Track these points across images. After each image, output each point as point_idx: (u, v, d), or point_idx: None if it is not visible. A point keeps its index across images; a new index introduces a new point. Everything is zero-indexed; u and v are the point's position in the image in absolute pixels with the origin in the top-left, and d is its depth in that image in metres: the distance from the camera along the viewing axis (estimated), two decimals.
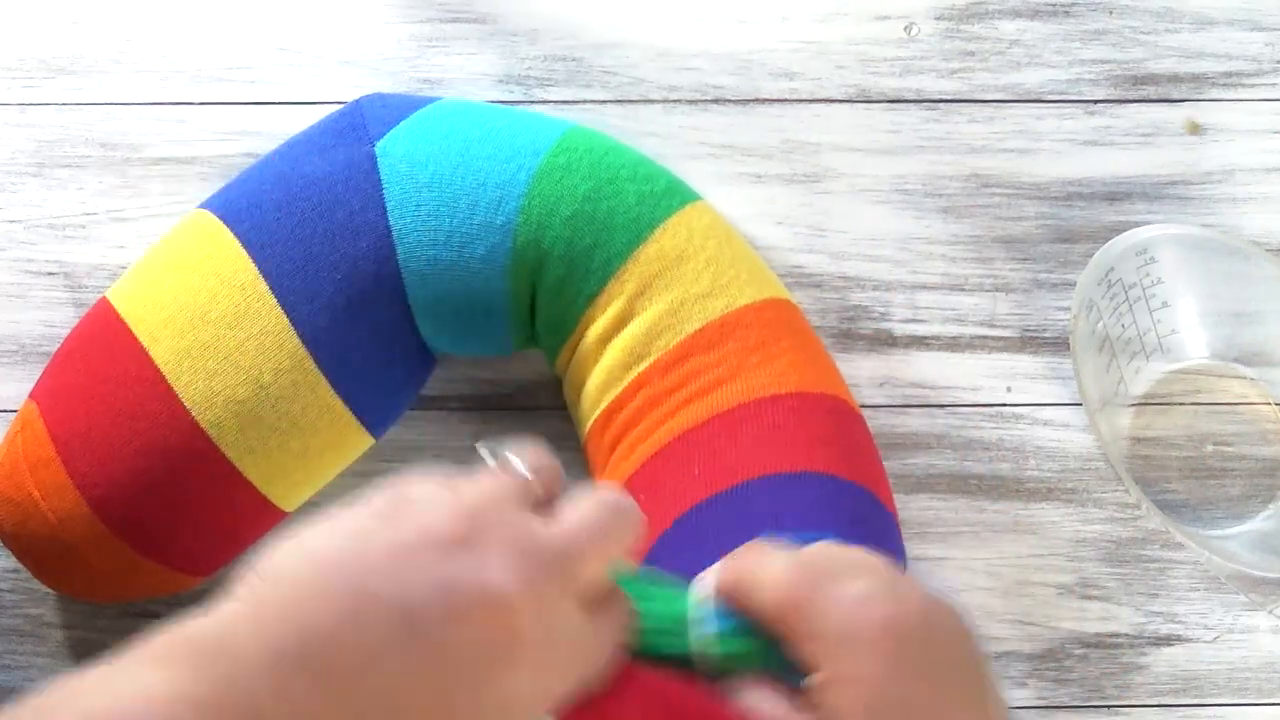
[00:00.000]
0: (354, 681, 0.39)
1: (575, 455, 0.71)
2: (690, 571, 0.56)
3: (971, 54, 0.75)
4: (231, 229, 0.64)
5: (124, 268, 0.71)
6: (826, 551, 0.48)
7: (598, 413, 0.66)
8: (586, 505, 0.44)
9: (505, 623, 0.40)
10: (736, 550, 0.47)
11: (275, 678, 0.38)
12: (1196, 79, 0.75)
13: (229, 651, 0.39)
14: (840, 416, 0.65)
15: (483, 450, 0.46)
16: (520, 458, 0.45)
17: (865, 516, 0.62)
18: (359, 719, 0.38)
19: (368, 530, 0.42)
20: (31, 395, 0.65)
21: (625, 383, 0.65)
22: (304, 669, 0.38)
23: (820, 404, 0.64)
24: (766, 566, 0.46)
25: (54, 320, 0.72)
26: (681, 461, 0.62)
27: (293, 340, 0.63)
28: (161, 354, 0.62)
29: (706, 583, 0.47)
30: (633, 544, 0.45)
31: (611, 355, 0.65)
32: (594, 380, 0.66)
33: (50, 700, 0.37)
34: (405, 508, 0.43)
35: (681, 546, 0.60)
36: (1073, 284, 0.72)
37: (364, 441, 0.67)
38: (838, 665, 0.44)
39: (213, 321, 0.63)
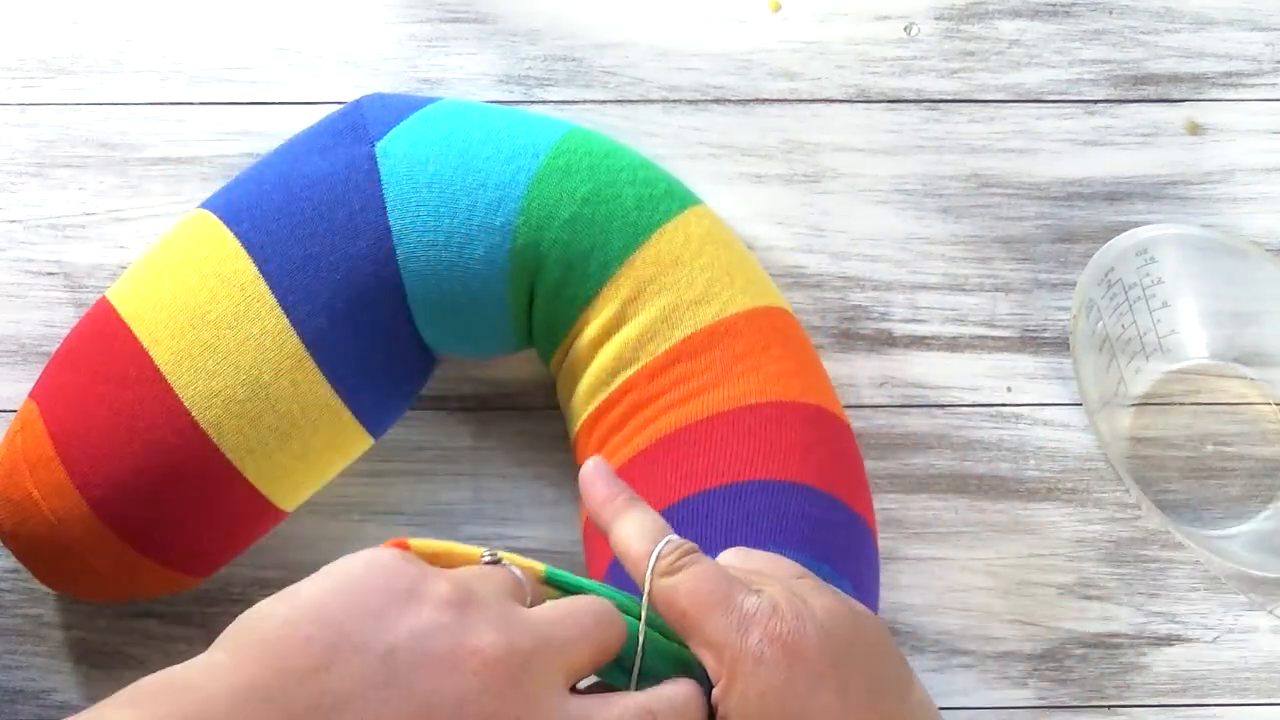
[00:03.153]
0: (326, 717, 0.39)
1: (573, 456, 0.71)
2: None
3: (971, 54, 0.75)
4: (231, 229, 0.64)
5: (124, 268, 0.71)
6: (733, 559, 0.50)
7: (586, 415, 0.66)
8: (572, 603, 0.46)
9: (484, 681, 0.41)
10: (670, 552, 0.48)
11: (243, 713, 0.38)
12: (1196, 79, 0.75)
13: (199, 688, 0.39)
14: (821, 427, 0.64)
15: (485, 555, 0.47)
16: (513, 565, 0.47)
17: (833, 526, 0.62)
18: None
19: (359, 580, 0.43)
20: (31, 395, 0.65)
21: (613, 387, 0.65)
22: (273, 705, 0.39)
23: (801, 413, 0.64)
24: (682, 571, 0.47)
25: (54, 320, 0.72)
26: (658, 466, 0.62)
27: (292, 340, 0.63)
28: (161, 354, 0.62)
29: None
30: (612, 647, 0.46)
31: (602, 360, 0.65)
32: (584, 383, 0.66)
33: None
34: (404, 569, 0.43)
35: None
36: (1073, 284, 0.72)
37: (364, 441, 0.67)
38: (733, 676, 0.46)
39: (212, 322, 0.63)
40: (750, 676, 0.45)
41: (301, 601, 0.42)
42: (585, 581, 0.49)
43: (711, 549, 0.51)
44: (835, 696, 0.46)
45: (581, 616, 0.45)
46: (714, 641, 0.46)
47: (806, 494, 0.62)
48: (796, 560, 0.53)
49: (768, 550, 0.53)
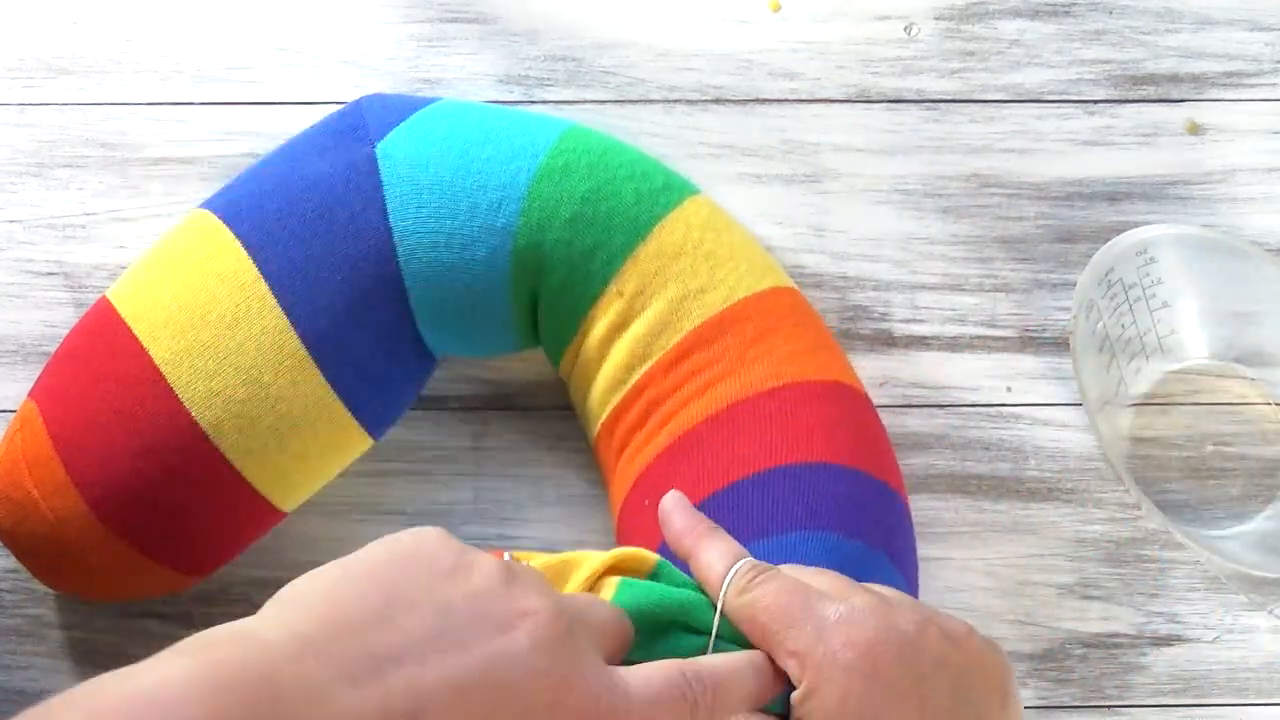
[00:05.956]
0: (381, 666, 0.40)
1: (575, 455, 0.71)
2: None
3: (971, 54, 0.75)
4: (232, 229, 0.64)
5: (124, 268, 0.71)
6: (827, 575, 0.52)
7: (604, 416, 0.66)
8: (590, 596, 0.50)
9: (534, 640, 0.42)
10: (742, 566, 0.51)
11: (300, 662, 0.39)
12: (1196, 79, 0.75)
13: (256, 637, 0.39)
14: (840, 401, 0.65)
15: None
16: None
17: (860, 500, 0.63)
18: (382, 700, 0.39)
19: (410, 548, 0.44)
20: (31, 395, 0.65)
21: (629, 385, 0.65)
22: (329, 655, 0.39)
23: (818, 390, 0.64)
24: (760, 587, 0.50)
25: (54, 320, 0.72)
26: (684, 463, 0.63)
27: (292, 341, 0.63)
28: (161, 354, 0.62)
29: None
30: (627, 642, 0.49)
31: (615, 358, 0.65)
32: (599, 384, 0.66)
33: (73, 693, 0.37)
34: (449, 542, 0.45)
35: None
36: (1073, 284, 0.72)
37: (364, 442, 0.67)
38: (815, 681, 0.48)
39: (212, 322, 0.63)
40: (831, 681, 0.47)
41: (356, 564, 0.43)
42: (684, 578, 0.53)
43: (745, 541, 0.54)
44: (915, 710, 0.48)
45: (601, 608, 0.48)
46: (796, 650, 0.48)
47: (831, 472, 0.62)
48: (830, 541, 0.55)
49: (798, 534, 0.55)
